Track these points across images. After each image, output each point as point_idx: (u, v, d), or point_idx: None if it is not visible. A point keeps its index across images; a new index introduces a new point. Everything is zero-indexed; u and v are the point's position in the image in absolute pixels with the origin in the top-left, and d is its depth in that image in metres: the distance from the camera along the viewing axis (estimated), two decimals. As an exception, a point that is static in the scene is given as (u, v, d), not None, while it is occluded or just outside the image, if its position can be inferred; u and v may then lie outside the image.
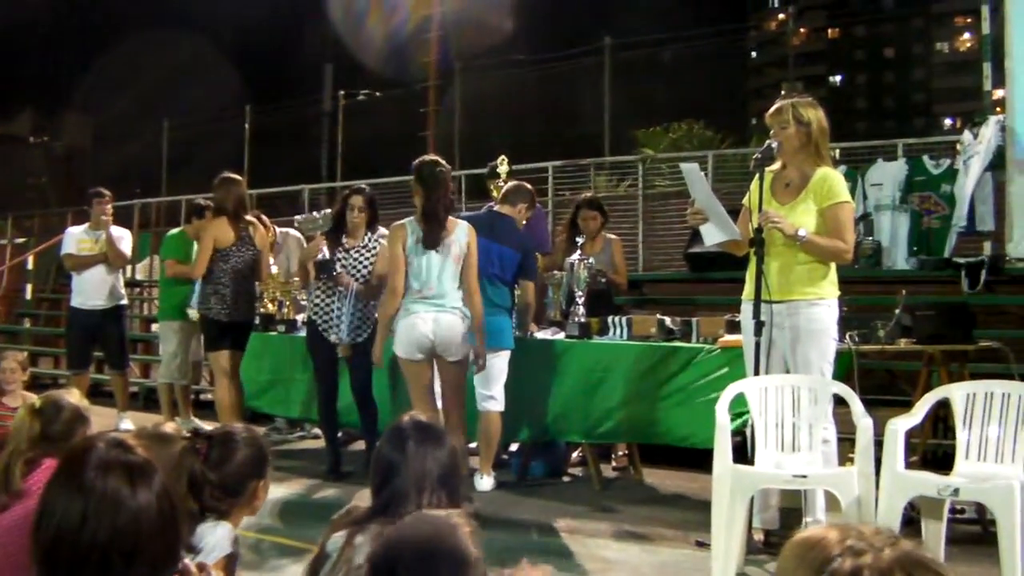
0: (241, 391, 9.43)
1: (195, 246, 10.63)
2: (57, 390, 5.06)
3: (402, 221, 7.58)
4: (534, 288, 8.38)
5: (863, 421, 5.44)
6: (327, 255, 8.38)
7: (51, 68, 67.16)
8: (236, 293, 9.25)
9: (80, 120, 72.71)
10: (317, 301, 8.51)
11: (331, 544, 3.19)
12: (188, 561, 2.61)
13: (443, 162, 7.78)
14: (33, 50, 67.47)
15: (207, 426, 6.41)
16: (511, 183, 8.54)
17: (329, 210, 8.44)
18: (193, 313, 10.02)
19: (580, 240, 8.58)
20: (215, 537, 3.55)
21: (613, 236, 9.25)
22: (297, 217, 8.30)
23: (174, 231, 11.20)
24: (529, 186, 8.55)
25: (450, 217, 7.60)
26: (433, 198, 7.49)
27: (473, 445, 8.04)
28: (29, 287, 20.15)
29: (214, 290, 9.20)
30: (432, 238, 7.41)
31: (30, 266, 20.35)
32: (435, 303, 7.41)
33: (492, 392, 7.87)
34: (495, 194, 9.02)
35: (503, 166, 9.17)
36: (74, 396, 4.73)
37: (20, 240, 22.25)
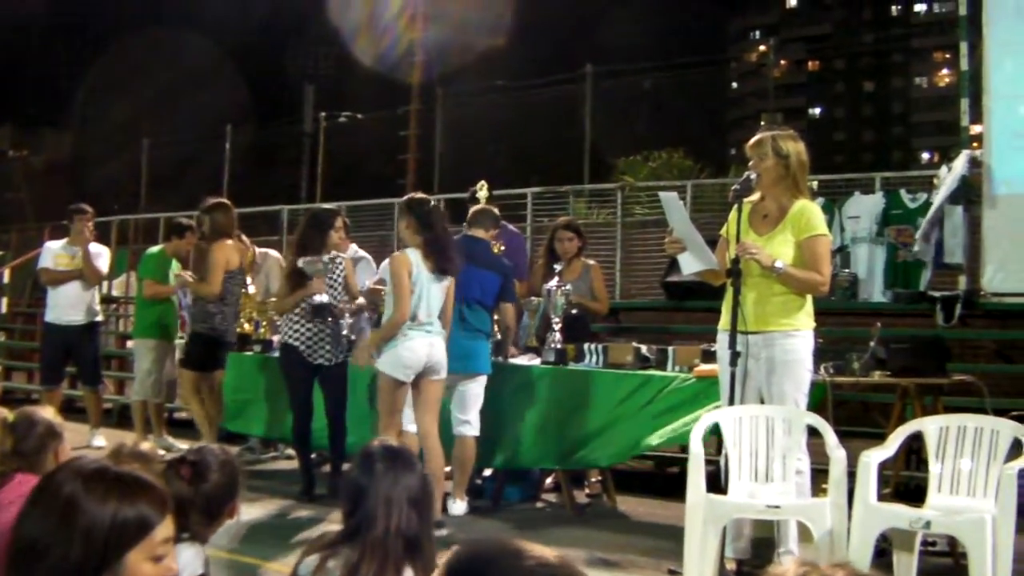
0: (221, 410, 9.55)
1: (174, 265, 10.64)
2: (30, 406, 5.04)
3: (404, 251, 7.64)
4: (513, 311, 8.40)
5: (836, 452, 5.47)
6: (325, 300, 8.37)
7: (31, 83, 66.99)
8: (235, 314, 9.55)
9: (59, 136, 72.55)
10: (296, 326, 8.49)
11: (303, 568, 3.20)
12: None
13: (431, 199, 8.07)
14: (13, 64, 67.31)
15: (181, 444, 6.42)
16: (476, 207, 8.59)
17: (335, 255, 8.44)
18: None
19: (558, 267, 8.58)
20: (186, 558, 3.54)
21: (592, 262, 9.25)
22: (301, 260, 8.30)
23: (154, 249, 11.15)
24: (495, 210, 8.62)
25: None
26: (436, 231, 7.62)
27: (448, 469, 8.03)
28: (4, 301, 20.07)
29: (219, 309, 9.30)
30: (443, 269, 7.54)
31: (6, 280, 20.28)
32: (427, 329, 7.51)
33: (468, 417, 7.87)
34: (496, 213, 9.08)
35: (483, 191, 9.20)
36: (47, 412, 4.73)
37: (-3, 254, 22.17)
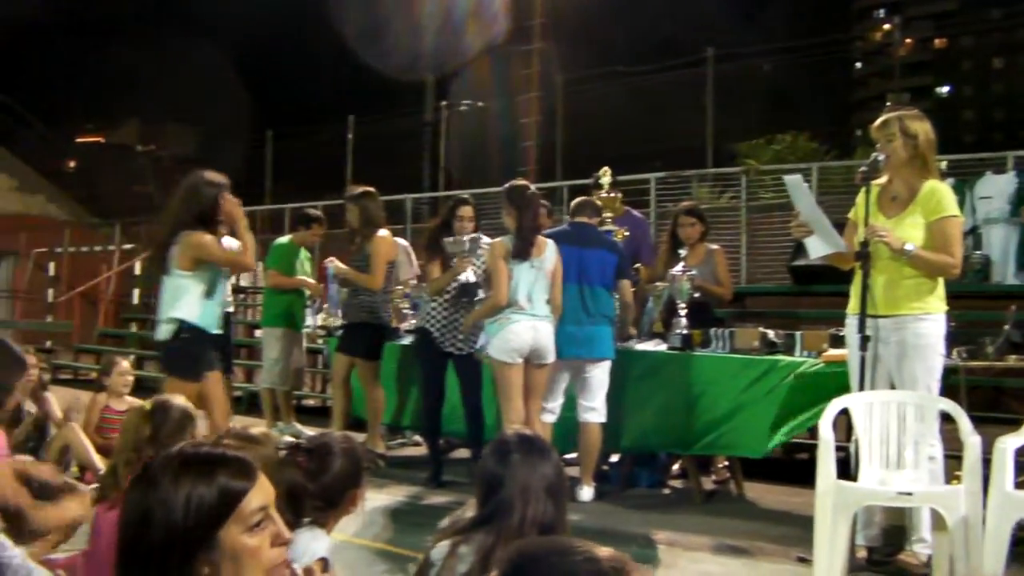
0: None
1: (301, 254, 10.77)
2: (164, 394, 5.17)
3: (501, 238, 7.81)
4: (630, 287, 8.40)
5: (971, 439, 5.35)
6: (471, 278, 8.44)
7: (158, 79, 68.43)
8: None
9: (185, 130, 73.97)
10: (435, 313, 8.58)
11: (435, 553, 3.23)
12: (296, 567, 2.64)
13: (531, 186, 8.18)
14: (139, 61, 68.83)
15: (310, 431, 6.51)
16: (577, 200, 8.62)
17: (477, 235, 8.45)
18: (336, 320, 10.06)
19: (682, 252, 8.54)
20: (305, 540, 3.60)
21: (715, 247, 9.17)
22: (447, 239, 8.36)
23: (282, 240, 11.27)
24: (597, 201, 8.75)
25: (539, 236, 7.87)
26: (525, 217, 7.77)
27: (572, 456, 8.04)
28: (136, 292, 20.53)
29: (384, 300, 9.40)
30: (525, 253, 7.68)
31: (137, 271, 20.74)
32: (531, 313, 7.65)
33: (593, 403, 7.88)
34: (598, 204, 9.07)
35: (606, 177, 9.17)
36: (180, 400, 4.87)
37: (128, 246, 22.68)
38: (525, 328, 7.61)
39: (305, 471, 3.73)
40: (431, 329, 8.55)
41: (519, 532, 3.12)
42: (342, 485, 3.80)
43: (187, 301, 7.10)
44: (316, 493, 3.74)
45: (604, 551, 1.89)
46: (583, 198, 8.67)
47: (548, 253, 7.81)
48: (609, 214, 9.05)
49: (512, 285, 7.64)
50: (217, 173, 7.28)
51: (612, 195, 9.15)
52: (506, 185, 8.16)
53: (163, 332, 7.19)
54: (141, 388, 14.55)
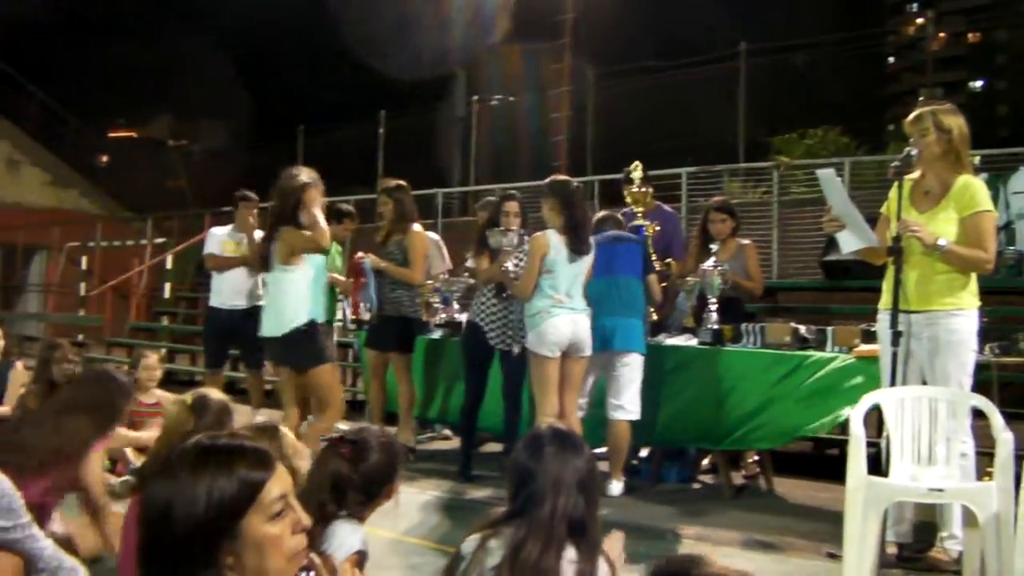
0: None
1: (332, 249, 10.79)
2: (200, 388, 5.21)
3: (544, 232, 7.73)
4: (657, 281, 8.38)
5: (1003, 435, 5.31)
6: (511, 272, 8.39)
7: (189, 74, 68.65)
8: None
9: (217, 124, 74.32)
10: (486, 308, 8.58)
11: (466, 546, 3.23)
12: (313, 556, 2.66)
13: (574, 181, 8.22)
14: (171, 57, 69.12)
15: (342, 425, 6.54)
16: (597, 216, 8.58)
17: (520, 230, 8.40)
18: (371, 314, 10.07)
19: (713, 247, 8.53)
20: (343, 533, 3.62)
21: (747, 242, 9.13)
22: (490, 230, 8.37)
23: None
24: (618, 215, 8.71)
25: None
26: (576, 212, 7.78)
27: (602, 450, 8.04)
28: (168, 286, 20.62)
29: (416, 294, 9.41)
30: (578, 250, 7.69)
31: (169, 265, 20.83)
32: (571, 307, 7.67)
33: (621, 401, 7.87)
34: (629, 200, 9.07)
35: (637, 172, 9.15)
36: (217, 393, 4.93)
37: (160, 240, 22.80)
38: (565, 322, 7.61)
39: (348, 462, 3.76)
40: (482, 325, 8.56)
41: (549, 526, 3.13)
42: (380, 478, 3.83)
43: (297, 295, 7.45)
44: (357, 485, 3.76)
45: (734, 569, 1.95)
46: (605, 213, 8.68)
47: (591, 247, 7.83)
48: (640, 208, 9.04)
49: (552, 280, 7.64)
50: (306, 169, 7.78)
51: (643, 190, 9.13)
52: (549, 179, 8.14)
53: (280, 327, 7.48)
54: (173, 381, 14.68)
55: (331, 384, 7.76)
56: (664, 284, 8.65)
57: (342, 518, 3.69)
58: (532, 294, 7.68)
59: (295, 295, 7.50)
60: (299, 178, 7.62)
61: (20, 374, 9.02)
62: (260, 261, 7.73)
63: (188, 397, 4.89)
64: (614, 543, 3.51)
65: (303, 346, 7.52)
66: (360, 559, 3.67)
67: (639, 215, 8.99)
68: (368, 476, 3.80)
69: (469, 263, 9.42)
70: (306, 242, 7.56)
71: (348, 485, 3.71)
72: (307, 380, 7.69)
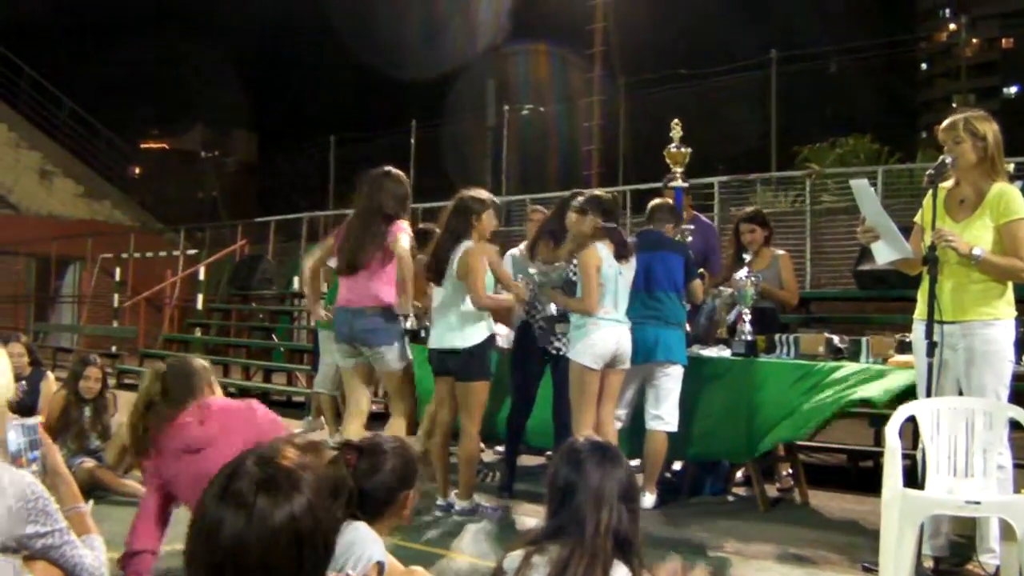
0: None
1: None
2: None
3: (593, 246, 7.64)
4: (700, 287, 8.29)
5: (1041, 447, 5.26)
6: (555, 312, 8.23)
7: (221, 86, 69.13)
8: None
9: (248, 136, 74.79)
10: (540, 310, 8.46)
11: (508, 562, 3.19)
12: (350, 571, 2.63)
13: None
14: (204, 68, 69.60)
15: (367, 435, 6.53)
16: (652, 203, 8.47)
17: (563, 264, 8.24)
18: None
19: (747, 257, 8.47)
20: (363, 541, 3.59)
21: (781, 252, 9.06)
22: (533, 269, 8.28)
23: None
24: (669, 201, 8.51)
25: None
26: (615, 221, 7.81)
27: (635, 463, 7.99)
28: (200, 297, 20.71)
29: None
30: (622, 255, 7.68)
31: (201, 277, 20.92)
32: (617, 319, 7.61)
33: (659, 411, 7.81)
34: (668, 160, 9.05)
35: (676, 131, 9.05)
36: (195, 360, 5.19)
37: (192, 251, 22.91)
38: (611, 334, 7.54)
39: (354, 470, 3.73)
40: (533, 323, 8.48)
41: (594, 541, 3.08)
42: (393, 486, 3.79)
43: (475, 311, 7.55)
44: (368, 493, 3.73)
45: None
46: (660, 201, 8.50)
47: (632, 261, 7.78)
48: (679, 168, 9.03)
49: (603, 292, 7.57)
50: (477, 190, 7.92)
51: (683, 150, 9.03)
52: (586, 199, 7.95)
53: (459, 341, 7.56)
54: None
55: (479, 400, 7.73)
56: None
57: (357, 525, 3.66)
58: (585, 308, 7.59)
59: (472, 310, 7.58)
60: (480, 199, 7.76)
61: (52, 384, 9.08)
62: (436, 273, 7.72)
63: (162, 364, 5.11)
64: (673, 569, 3.45)
65: (479, 359, 7.60)
66: (380, 570, 3.64)
67: (678, 177, 9.00)
68: (377, 484, 3.77)
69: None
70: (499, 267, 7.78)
71: (348, 491, 3.67)
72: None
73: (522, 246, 9.11)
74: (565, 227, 8.04)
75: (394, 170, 7.97)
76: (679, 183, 9.00)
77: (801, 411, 7.47)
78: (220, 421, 4.98)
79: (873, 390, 6.99)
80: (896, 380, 6.90)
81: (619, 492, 3.19)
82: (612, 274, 7.56)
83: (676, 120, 9.11)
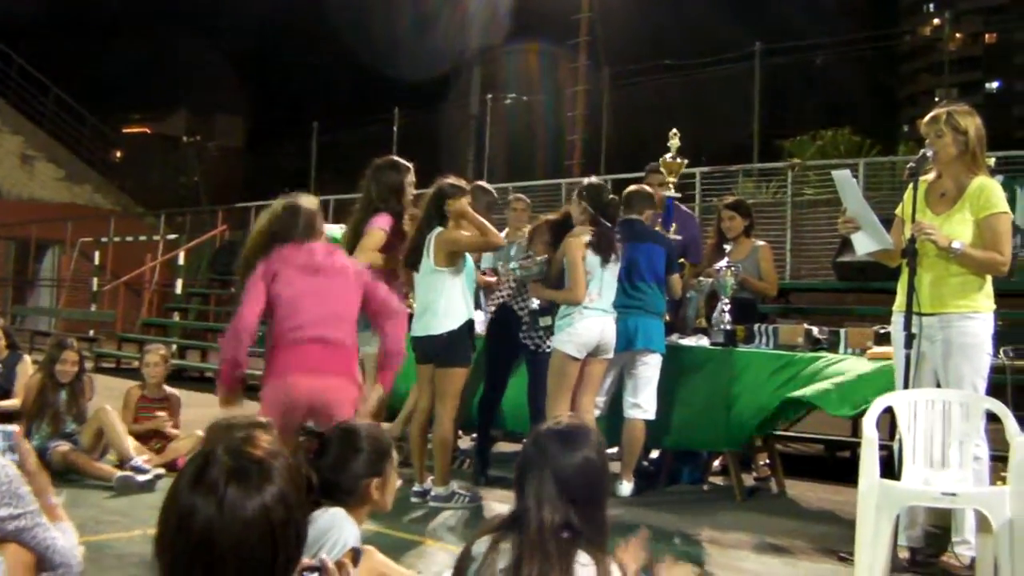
0: None
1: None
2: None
3: (578, 232, 7.66)
4: (680, 282, 8.28)
5: (1018, 439, 5.26)
6: (538, 306, 8.20)
7: (204, 70, 68.79)
8: None
9: (231, 121, 74.47)
10: (519, 302, 8.46)
11: (476, 548, 3.17)
12: (324, 556, 2.60)
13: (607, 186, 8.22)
14: (186, 52, 69.26)
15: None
16: (629, 188, 8.44)
17: (545, 257, 8.17)
18: None
19: (727, 247, 8.48)
20: (339, 526, 3.57)
21: (761, 243, 9.06)
22: (515, 263, 8.22)
23: (335, 232, 11.16)
24: (648, 188, 8.46)
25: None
26: (608, 215, 7.76)
27: (613, 450, 7.98)
28: (180, 282, 20.68)
29: None
30: (607, 259, 7.62)
31: (181, 261, 20.88)
32: (602, 308, 7.60)
33: (638, 399, 7.82)
34: (663, 169, 9.06)
35: (674, 140, 9.06)
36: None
37: (172, 236, 22.85)
38: (595, 323, 7.54)
39: (313, 456, 3.71)
40: (515, 308, 8.47)
41: (554, 526, 3.05)
42: (358, 473, 3.76)
43: (453, 296, 7.41)
44: (335, 480, 3.70)
45: None
46: (637, 187, 8.42)
47: (619, 252, 7.75)
48: (672, 178, 9.03)
49: (589, 278, 7.55)
50: (457, 178, 7.81)
51: (678, 160, 9.07)
52: (585, 183, 8.01)
53: (438, 327, 7.41)
54: (183, 378, 14.69)
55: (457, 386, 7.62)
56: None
57: (334, 511, 3.64)
58: (573, 296, 7.58)
59: (452, 296, 7.43)
60: (456, 185, 7.70)
61: (28, 367, 9.05)
62: (412, 259, 7.60)
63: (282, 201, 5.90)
64: (635, 546, 3.43)
65: (455, 344, 7.44)
66: (355, 556, 3.61)
67: (670, 186, 9.02)
68: (342, 470, 3.74)
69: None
70: (476, 243, 7.73)
71: (310, 481, 3.64)
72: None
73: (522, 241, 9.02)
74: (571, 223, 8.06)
75: (394, 159, 7.92)
76: (671, 193, 9.00)
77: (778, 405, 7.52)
78: (345, 262, 5.88)
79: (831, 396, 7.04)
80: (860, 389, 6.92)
81: (583, 476, 3.14)
82: (597, 261, 7.56)
83: (674, 131, 9.14)
